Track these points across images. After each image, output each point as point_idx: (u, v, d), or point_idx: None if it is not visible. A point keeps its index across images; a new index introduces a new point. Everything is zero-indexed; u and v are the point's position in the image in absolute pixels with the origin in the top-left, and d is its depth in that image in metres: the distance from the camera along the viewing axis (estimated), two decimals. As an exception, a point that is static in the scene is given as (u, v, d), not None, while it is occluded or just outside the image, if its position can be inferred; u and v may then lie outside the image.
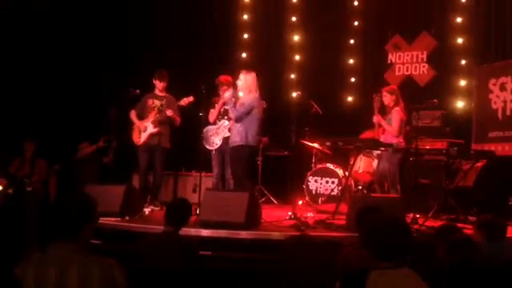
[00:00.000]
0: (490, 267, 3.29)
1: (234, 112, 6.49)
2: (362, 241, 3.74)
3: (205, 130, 7.20)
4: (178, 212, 3.96)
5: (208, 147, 7.19)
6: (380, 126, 7.09)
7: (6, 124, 8.23)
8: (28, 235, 3.36)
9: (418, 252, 3.67)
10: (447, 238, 3.67)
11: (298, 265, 2.25)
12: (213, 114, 7.21)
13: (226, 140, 7.10)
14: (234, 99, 6.52)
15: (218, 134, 7.16)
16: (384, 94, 7.11)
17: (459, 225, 4.83)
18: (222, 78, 7.33)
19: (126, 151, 7.80)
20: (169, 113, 7.14)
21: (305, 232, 5.54)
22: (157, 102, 7.35)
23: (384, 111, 7.16)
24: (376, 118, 7.07)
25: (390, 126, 6.95)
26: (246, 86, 6.55)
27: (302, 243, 2.39)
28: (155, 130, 7.22)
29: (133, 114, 7.40)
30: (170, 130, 7.40)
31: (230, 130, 6.98)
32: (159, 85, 7.37)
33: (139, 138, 7.31)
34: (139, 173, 7.48)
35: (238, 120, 6.46)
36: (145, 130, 7.27)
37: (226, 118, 7.20)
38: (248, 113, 6.43)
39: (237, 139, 6.44)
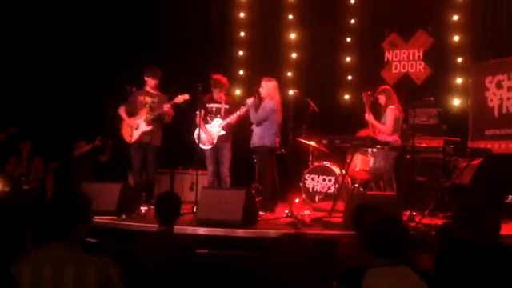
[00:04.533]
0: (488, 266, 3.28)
1: (254, 117, 6.89)
2: (359, 238, 3.74)
3: (198, 129, 7.16)
4: (167, 207, 3.93)
5: (202, 146, 7.15)
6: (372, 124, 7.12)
7: (2, 122, 8.20)
8: (24, 234, 3.34)
9: (415, 249, 3.69)
10: (447, 237, 3.66)
11: (291, 264, 2.25)
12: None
13: (220, 138, 7.11)
14: (254, 104, 6.93)
15: (212, 132, 7.15)
16: (377, 96, 7.14)
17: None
18: (221, 78, 7.31)
19: (123, 149, 7.77)
20: (166, 107, 7.08)
21: (301, 230, 5.54)
22: (148, 99, 7.27)
23: (378, 110, 7.18)
24: (367, 116, 7.10)
25: (381, 125, 6.99)
26: (268, 93, 6.95)
27: (295, 242, 2.38)
28: (148, 128, 7.16)
29: (122, 111, 7.30)
30: (162, 129, 7.35)
31: (223, 129, 7.10)
32: (151, 82, 7.28)
33: (131, 135, 7.24)
34: (133, 171, 7.41)
35: (258, 124, 6.90)
36: (137, 127, 7.19)
37: (218, 116, 7.20)
38: (267, 118, 6.86)
39: (254, 141, 6.94)
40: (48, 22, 9.12)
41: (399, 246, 2.76)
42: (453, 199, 6.56)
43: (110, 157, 8.77)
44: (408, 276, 2.67)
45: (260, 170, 7.05)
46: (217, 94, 7.23)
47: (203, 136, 7.08)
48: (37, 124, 8.60)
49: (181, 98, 7.06)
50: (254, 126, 7.01)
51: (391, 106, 6.98)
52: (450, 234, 3.65)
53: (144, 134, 7.19)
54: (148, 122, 7.17)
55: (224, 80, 7.31)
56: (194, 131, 7.13)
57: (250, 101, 6.96)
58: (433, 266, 3.42)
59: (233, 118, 7.05)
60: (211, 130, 7.17)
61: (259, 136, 6.90)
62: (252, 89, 7.28)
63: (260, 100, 6.99)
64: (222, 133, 7.13)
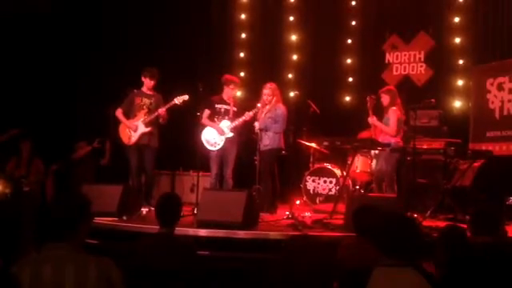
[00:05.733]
0: (489, 267, 3.27)
1: (274, 126, 7.01)
2: (360, 239, 3.73)
3: (205, 130, 7.15)
4: (168, 208, 3.92)
5: (210, 148, 7.13)
6: (376, 127, 7.11)
7: (2, 123, 8.19)
8: (24, 235, 3.34)
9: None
10: (451, 240, 3.65)
11: (300, 265, 2.24)
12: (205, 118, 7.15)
13: (228, 140, 7.11)
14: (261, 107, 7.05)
15: (221, 134, 7.13)
16: (381, 94, 7.13)
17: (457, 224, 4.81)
18: (233, 77, 7.40)
19: (124, 152, 7.75)
20: (161, 111, 7.06)
21: (303, 232, 5.54)
22: (146, 101, 7.21)
23: (379, 112, 7.18)
24: (371, 120, 7.09)
25: (386, 127, 6.97)
26: (277, 98, 7.12)
27: (305, 243, 2.37)
28: (147, 129, 7.10)
29: (120, 113, 7.23)
30: (159, 130, 7.32)
31: (231, 131, 7.12)
32: (149, 83, 7.22)
33: (130, 137, 7.17)
34: (131, 173, 7.30)
35: (273, 129, 7.02)
36: (136, 129, 7.12)
37: (226, 118, 7.19)
38: (283, 122, 7.10)
39: (266, 143, 7.02)
40: (49, 24, 9.13)
41: (409, 246, 2.73)
42: (454, 201, 6.57)
43: (109, 160, 8.75)
44: (415, 279, 2.64)
45: (264, 171, 7.03)
46: (229, 92, 7.24)
47: (211, 137, 7.08)
48: (37, 125, 8.58)
49: (180, 99, 7.03)
50: (258, 128, 7.00)
51: (393, 108, 6.97)
52: (463, 238, 3.64)
53: (143, 135, 7.15)
54: (146, 124, 7.13)
55: (236, 79, 7.41)
56: (198, 132, 7.13)
57: (250, 114, 6.99)
58: (437, 270, 3.40)
59: (239, 121, 7.05)
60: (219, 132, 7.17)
61: (272, 139, 7.00)
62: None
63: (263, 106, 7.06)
64: (231, 135, 7.12)
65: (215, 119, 7.20)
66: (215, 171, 7.21)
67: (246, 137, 7.46)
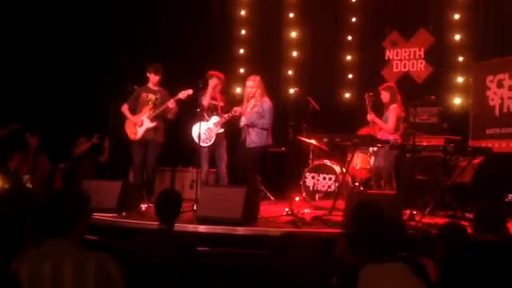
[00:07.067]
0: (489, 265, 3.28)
1: (260, 121, 6.80)
2: (356, 235, 3.74)
3: (195, 126, 7.13)
4: (167, 205, 3.93)
5: (202, 144, 7.11)
6: (375, 123, 7.11)
7: (6, 119, 8.20)
8: (24, 231, 3.33)
9: (414, 248, 3.67)
10: (451, 237, 3.65)
11: (289, 263, 2.25)
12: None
13: (218, 136, 7.13)
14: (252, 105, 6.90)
15: (211, 130, 7.13)
16: (381, 91, 7.13)
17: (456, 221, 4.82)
18: (216, 72, 7.33)
19: (123, 148, 7.76)
20: (170, 104, 7.05)
21: (300, 228, 5.55)
22: (151, 96, 7.24)
23: (379, 108, 7.18)
24: (370, 117, 7.09)
25: (385, 124, 6.98)
26: (261, 91, 6.91)
27: (290, 242, 2.38)
28: (152, 124, 7.13)
29: (125, 108, 7.27)
30: (165, 125, 7.33)
31: (222, 126, 7.12)
32: (154, 78, 7.25)
33: (135, 133, 7.20)
34: (134, 168, 7.35)
35: (260, 125, 6.83)
36: (141, 124, 7.16)
37: (215, 113, 7.18)
38: (270, 117, 6.87)
39: (253, 139, 6.82)
40: (53, 20, 9.15)
41: (395, 243, 2.75)
42: (453, 198, 6.57)
43: (108, 157, 8.76)
44: (403, 273, 2.66)
45: (249, 169, 6.94)
46: (214, 88, 7.19)
47: (202, 133, 7.07)
48: (39, 123, 8.58)
49: (184, 94, 7.03)
50: (244, 124, 6.95)
51: (394, 105, 6.97)
52: (462, 235, 3.64)
53: (148, 130, 7.17)
54: (152, 119, 7.15)
55: (220, 74, 7.32)
56: (192, 129, 7.13)
57: (239, 109, 6.93)
58: (437, 267, 3.41)
59: (228, 116, 7.03)
60: (210, 127, 7.16)
61: (259, 136, 6.86)
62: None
63: (248, 100, 6.98)
64: (221, 130, 7.12)
65: (205, 115, 7.17)
66: (206, 168, 7.22)
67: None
